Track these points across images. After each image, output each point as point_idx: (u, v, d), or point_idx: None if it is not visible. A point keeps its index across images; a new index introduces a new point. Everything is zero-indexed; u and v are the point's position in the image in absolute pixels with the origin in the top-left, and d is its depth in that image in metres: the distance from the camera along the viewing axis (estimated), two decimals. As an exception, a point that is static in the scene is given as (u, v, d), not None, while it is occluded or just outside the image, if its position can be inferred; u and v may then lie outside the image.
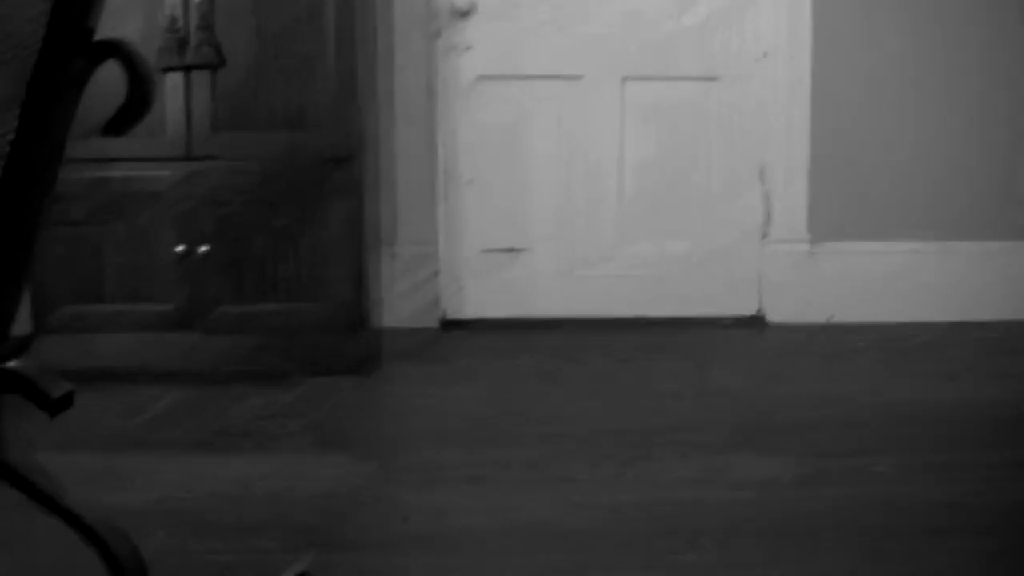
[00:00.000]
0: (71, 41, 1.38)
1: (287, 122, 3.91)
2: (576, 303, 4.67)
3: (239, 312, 3.96)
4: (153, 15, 3.83)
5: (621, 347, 4.35)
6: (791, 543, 2.65)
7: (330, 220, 3.94)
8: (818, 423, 3.49)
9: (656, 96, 4.64)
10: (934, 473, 3.08)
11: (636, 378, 4.00)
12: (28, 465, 1.56)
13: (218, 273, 3.94)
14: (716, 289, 4.68)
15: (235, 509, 2.89)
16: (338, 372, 3.96)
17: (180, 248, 3.93)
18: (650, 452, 3.25)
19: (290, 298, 3.97)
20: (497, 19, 4.59)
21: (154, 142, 3.87)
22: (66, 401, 1.53)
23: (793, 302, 4.67)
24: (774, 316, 4.68)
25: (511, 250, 4.67)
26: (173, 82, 3.87)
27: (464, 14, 4.58)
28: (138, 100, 1.38)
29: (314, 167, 3.92)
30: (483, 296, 4.67)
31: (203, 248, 3.93)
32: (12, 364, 1.57)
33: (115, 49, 1.36)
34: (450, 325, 4.65)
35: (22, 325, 3.81)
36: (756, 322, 4.67)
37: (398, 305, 4.58)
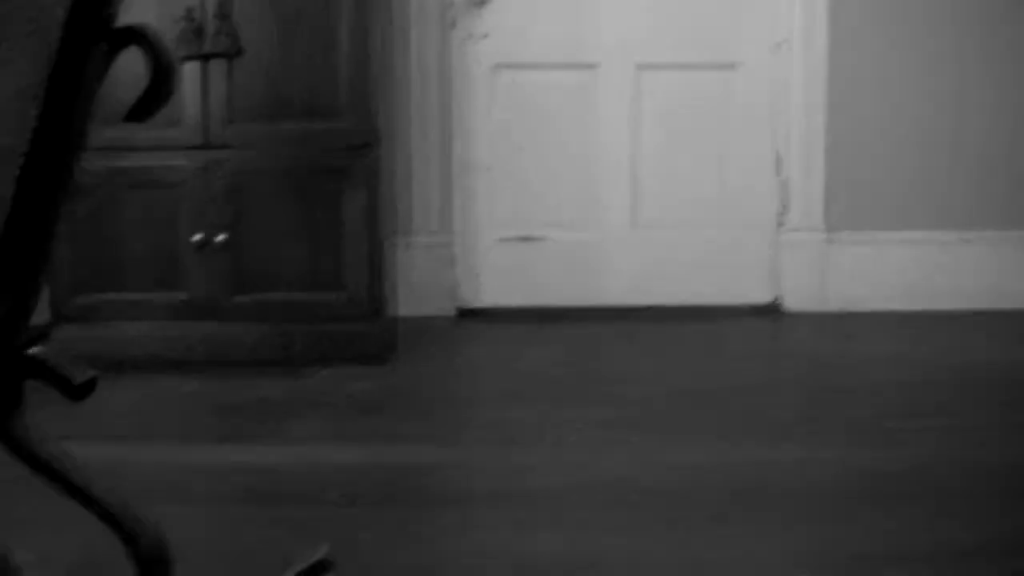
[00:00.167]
0: (93, 27, 1.38)
1: (304, 111, 3.92)
2: (592, 292, 4.67)
3: (256, 300, 3.97)
4: (169, 4, 3.83)
5: (637, 335, 4.35)
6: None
7: (346, 209, 3.94)
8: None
9: (672, 85, 4.63)
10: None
11: (654, 364, 4.00)
12: (53, 453, 1.56)
13: (235, 261, 3.95)
14: (733, 278, 4.68)
15: (257, 494, 2.90)
16: (355, 361, 3.96)
17: (197, 237, 3.93)
18: (674, 435, 3.27)
19: (307, 287, 3.97)
20: (513, 8, 4.59)
21: (172, 131, 3.88)
22: (89, 387, 1.53)
23: (810, 291, 4.66)
24: (790, 305, 4.67)
25: (527, 238, 4.67)
26: (190, 71, 3.88)
27: (480, 3, 4.57)
28: (160, 86, 1.37)
29: (331, 156, 3.93)
30: (499, 285, 4.67)
31: (220, 237, 3.93)
32: (34, 350, 1.57)
33: (137, 35, 1.35)
34: (466, 314, 4.65)
35: (40, 314, 3.82)
36: (772, 311, 4.66)
37: (414, 294, 4.58)
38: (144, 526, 1.56)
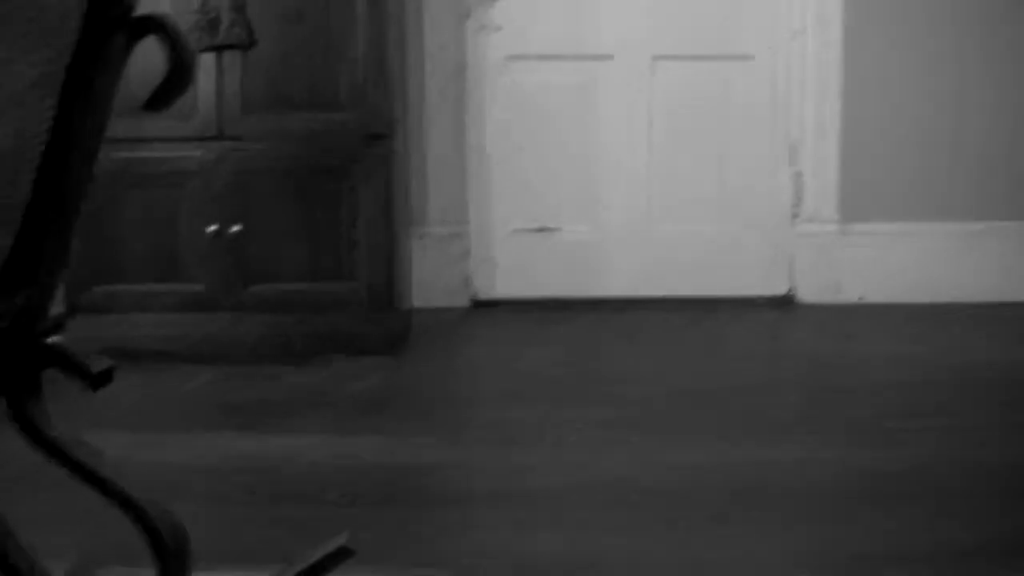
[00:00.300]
0: (112, 17, 1.39)
1: (318, 102, 3.92)
2: (607, 283, 4.67)
3: (270, 291, 3.98)
4: (185, -5, 3.84)
5: (652, 326, 4.35)
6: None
7: (361, 200, 3.94)
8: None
9: (686, 75, 4.62)
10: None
11: (670, 355, 4.00)
12: (72, 441, 1.57)
13: (250, 253, 3.96)
14: (747, 269, 4.67)
15: (272, 484, 2.91)
16: (368, 352, 3.96)
17: (212, 228, 3.94)
18: (691, 428, 3.27)
19: (321, 277, 3.98)
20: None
21: (186, 122, 3.89)
22: (107, 376, 1.54)
23: (823, 282, 4.65)
24: (805, 296, 4.67)
25: (541, 230, 4.67)
26: (205, 63, 3.88)
27: (494, -6, 4.58)
28: (178, 75, 1.38)
29: (345, 147, 3.93)
30: (513, 276, 4.67)
31: (235, 228, 3.94)
32: (53, 339, 1.58)
33: (156, 25, 1.36)
34: (481, 305, 4.65)
35: (55, 305, 3.83)
36: (786, 302, 4.66)
37: (428, 285, 4.58)
38: (163, 514, 1.56)
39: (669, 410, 3.38)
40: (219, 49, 3.89)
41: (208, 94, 3.90)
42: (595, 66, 4.63)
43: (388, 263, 3.98)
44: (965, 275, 4.60)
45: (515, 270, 4.67)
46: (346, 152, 3.93)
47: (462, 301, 4.64)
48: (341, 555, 1.59)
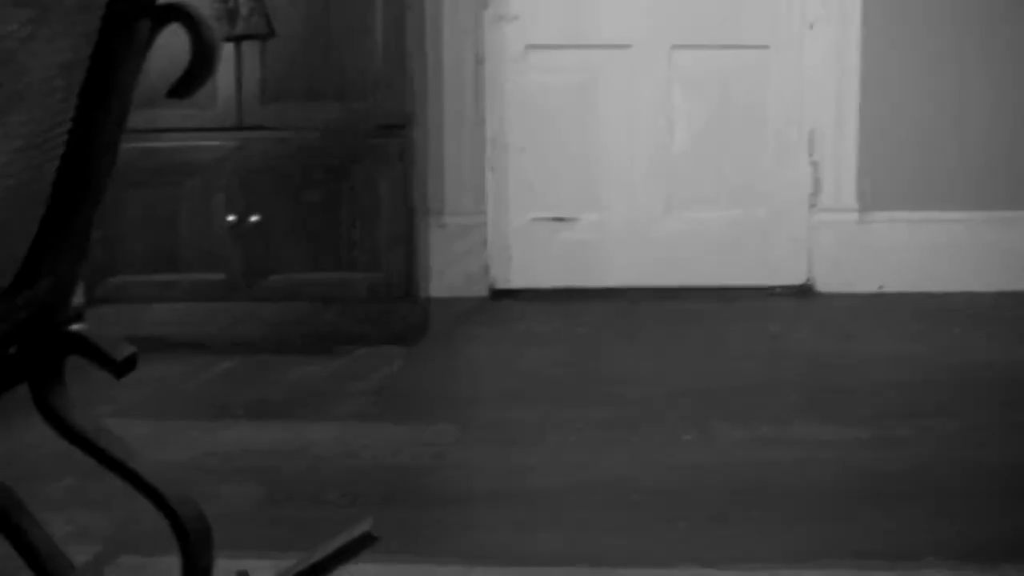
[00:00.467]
0: (136, 4, 1.39)
1: (337, 92, 3.92)
2: (625, 272, 4.66)
3: (289, 281, 3.98)
4: (203, -15, 3.84)
5: (670, 315, 4.35)
6: (868, 503, 2.65)
7: (380, 189, 3.94)
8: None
9: (705, 65, 4.61)
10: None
11: (689, 346, 4.00)
12: (96, 428, 1.58)
13: (269, 242, 3.96)
14: (765, 258, 4.67)
15: (293, 472, 2.92)
16: (387, 341, 3.97)
17: (231, 218, 3.95)
18: (710, 416, 3.27)
19: (339, 267, 3.98)
20: (544, -12, 4.59)
21: (205, 112, 3.89)
22: (130, 363, 1.55)
23: (842, 271, 4.64)
24: (823, 285, 4.65)
25: (560, 219, 4.66)
26: (223, 52, 3.87)
27: (512, -17, 4.58)
28: (202, 63, 1.39)
29: (364, 136, 3.93)
30: (532, 265, 4.67)
31: (254, 217, 3.94)
32: (76, 327, 1.59)
33: (180, 13, 1.36)
34: (499, 294, 4.65)
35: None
36: (805, 291, 4.65)
37: (447, 274, 4.58)
38: (185, 501, 1.57)
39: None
40: (238, 39, 3.89)
41: (227, 84, 3.90)
42: (613, 55, 4.62)
43: (406, 253, 3.98)
44: (989, 264, 4.58)
45: (533, 259, 4.67)
46: (365, 142, 3.93)
47: (480, 291, 4.64)
48: (365, 541, 1.60)
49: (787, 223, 4.66)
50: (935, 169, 4.61)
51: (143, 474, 1.59)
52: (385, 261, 3.97)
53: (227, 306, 4.01)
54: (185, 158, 3.95)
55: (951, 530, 2.51)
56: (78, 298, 3.92)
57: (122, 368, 1.54)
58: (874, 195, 4.62)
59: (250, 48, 3.90)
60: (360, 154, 3.94)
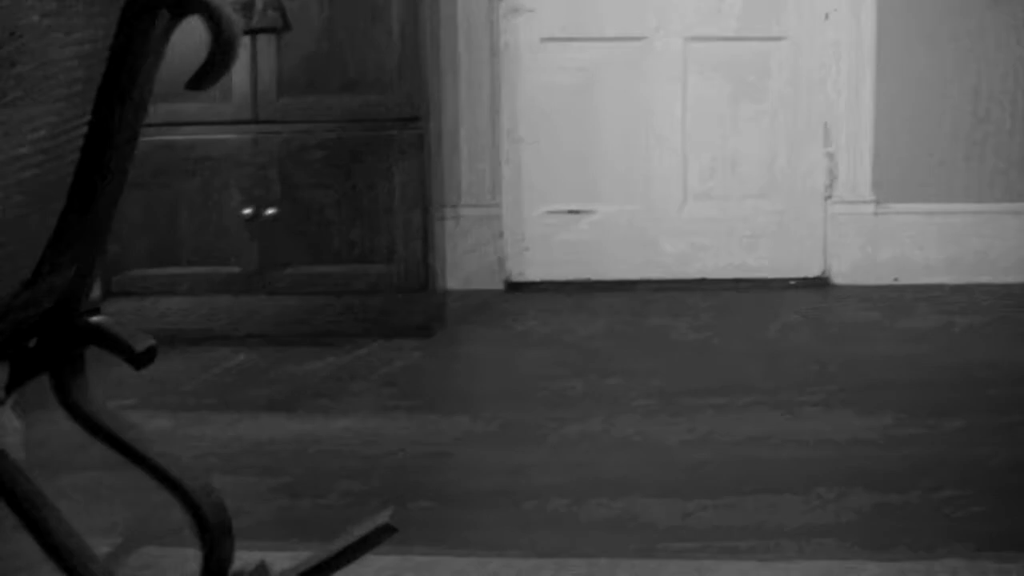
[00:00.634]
0: (156, -5, 1.39)
1: (352, 84, 3.92)
2: (640, 265, 4.66)
3: (306, 274, 3.99)
4: (218, -21, 3.84)
5: (686, 308, 4.34)
6: (868, 502, 2.65)
7: (395, 182, 3.95)
8: (892, 383, 3.48)
9: (719, 56, 4.61)
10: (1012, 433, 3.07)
11: (704, 338, 3.99)
12: (116, 419, 1.58)
13: (285, 235, 3.97)
14: (780, 250, 4.66)
15: (310, 464, 2.92)
16: (403, 333, 3.97)
17: (248, 211, 3.95)
18: (725, 409, 3.26)
19: (356, 259, 3.98)
20: (559, -20, 4.59)
21: (221, 106, 3.90)
22: (150, 354, 1.55)
23: (858, 263, 4.64)
24: (839, 277, 4.65)
25: (575, 212, 4.67)
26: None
27: (527, -24, 4.57)
28: (222, 54, 1.39)
29: (379, 129, 3.94)
30: (547, 258, 4.67)
31: (270, 210, 3.95)
32: (96, 318, 1.59)
33: (199, 4, 1.36)
34: (514, 287, 4.65)
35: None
36: (821, 283, 4.64)
37: (462, 267, 4.59)
38: (206, 492, 1.57)
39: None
40: (253, 33, 3.90)
41: (242, 77, 3.91)
42: (628, 48, 4.61)
43: (422, 245, 3.99)
44: (1001, 256, 4.57)
45: (548, 252, 4.67)
46: (380, 134, 3.94)
47: (496, 283, 4.64)
48: (384, 532, 1.60)
49: (803, 215, 4.65)
50: (951, 160, 4.60)
51: (164, 465, 1.60)
52: (400, 253, 3.97)
53: (242, 299, 4.01)
54: (201, 152, 3.96)
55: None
56: (95, 291, 3.93)
57: (142, 359, 1.54)
58: (890, 186, 4.62)
59: (266, 41, 3.90)
60: (375, 147, 3.94)
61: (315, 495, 2.72)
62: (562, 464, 2.91)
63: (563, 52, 4.62)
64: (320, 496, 2.72)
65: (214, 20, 1.37)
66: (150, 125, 4.05)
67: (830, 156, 4.62)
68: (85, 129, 1.45)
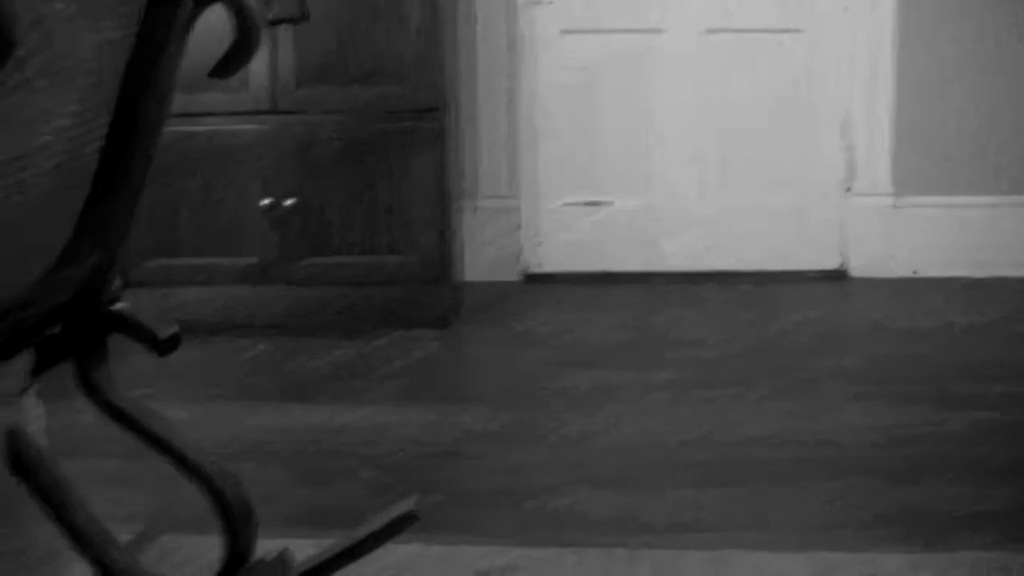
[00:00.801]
0: (180, -16, 1.39)
1: (370, 76, 3.93)
2: (658, 257, 4.66)
3: (324, 264, 3.99)
4: (237, -30, 3.84)
5: (700, 301, 4.33)
6: (868, 502, 2.64)
7: (413, 173, 3.95)
8: (896, 381, 3.48)
9: (738, 49, 4.60)
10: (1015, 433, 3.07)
11: (723, 329, 3.98)
12: (138, 407, 1.59)
13: (303, 226, 3.97)
14: (798, 243, 4.65)
15: (331, 453, 2.93)
16: (420, 325, 3.98)
17: (266, 201, 3.96)
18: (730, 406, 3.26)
19: (373, 251, 3.99)
20: (578, -28, 4.58)
21: (239, 97, 3.90)
22: (174, 342, 1.56)
23: (876, 256, 4.63)
24: (857, 270, 4.64)
25: (593, 203, 4.66)
26: (257, 36, 3.89)
27: (545, -32, 4.57)
28: (245, 43, 1.39)
29: (397, 120, 3.94)
30: (565, 249, 4.67)
31: (289, 201, 3.96)
32: (119, 305, 1.60)
33: (223, -8, 1.37)
34: (532, 278, 4.65)
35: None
36: (838, 276, 4.63)
37: (479, 258, 4.59)
38: (229, 480, 1.58)
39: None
40: (272, 24, 3.89)
41: (261, 68, 3.91)
42: (646, 40, 4.61)
43: (440, 236, 3.99)
44: (1021, 249, 4.55)
45: (566, 244, 4.67)
46: (398, 126, 3.94)
47: (513, 275, 4.64)
48: (407, 520, 1.60)
49: (821, 207, 4.64)
50: (971, 153, 4.58)
51: (186, 452, 1.60)
52: (419, 244, 3.98)
53: (261, 290, 4.02)
54: (220, 142, 3.97)
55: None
56: (116, 281, 3.94)
57: (165, 346, 1.55)
58: (909, 179, 4.60)
59: (284, 32, 3.91)
60: (394, 138, 3.94)
61: (332, 485, 2.73)
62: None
63: (581, 44, 4.61)
64: (337, 486, 2.72)
65: (238, 9, 1.38)
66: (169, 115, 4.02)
67: (849, 149, 4.61)
68: (109, 118, 1.46)
